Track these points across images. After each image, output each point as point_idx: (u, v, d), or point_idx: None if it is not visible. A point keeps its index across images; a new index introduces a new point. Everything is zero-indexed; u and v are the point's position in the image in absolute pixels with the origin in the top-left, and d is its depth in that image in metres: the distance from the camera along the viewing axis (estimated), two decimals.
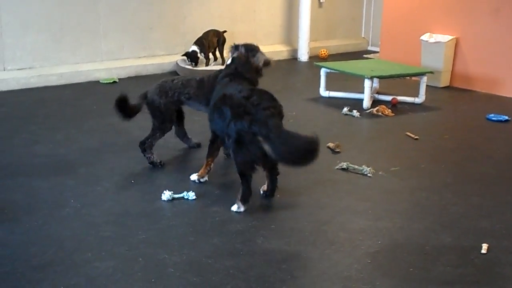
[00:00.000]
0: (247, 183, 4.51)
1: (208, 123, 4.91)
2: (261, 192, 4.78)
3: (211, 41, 9.20)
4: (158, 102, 5.35)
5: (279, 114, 4.51)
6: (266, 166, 4.61)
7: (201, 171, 5.06)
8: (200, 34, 9.15)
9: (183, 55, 9.00)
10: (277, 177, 4.72)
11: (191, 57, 8.92)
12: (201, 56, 9.01)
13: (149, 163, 5.39)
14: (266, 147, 4.28)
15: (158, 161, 5.40)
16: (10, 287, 3.48)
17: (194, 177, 5.06)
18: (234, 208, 4.52)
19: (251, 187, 4.53)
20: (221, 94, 4.71)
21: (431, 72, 7.84)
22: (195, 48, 8.96)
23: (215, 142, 4.99)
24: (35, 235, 4.12)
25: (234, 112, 4.44)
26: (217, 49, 9.33)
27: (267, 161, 4.49)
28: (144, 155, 5.39)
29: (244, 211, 4.48)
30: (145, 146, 5.39)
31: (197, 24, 9.50)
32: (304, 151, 4.29)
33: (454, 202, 4.75)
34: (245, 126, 4.35)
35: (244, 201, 4.52)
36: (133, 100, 5.45)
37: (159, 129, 5.40)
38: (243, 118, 4.37)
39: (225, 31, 9.35)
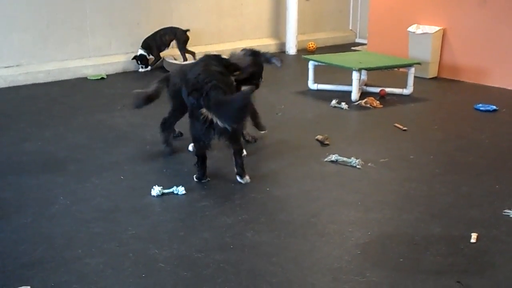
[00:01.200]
0: (199, 163, 4.96)
1: None
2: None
3: (161, 40, 9.09)
4: (180, 85, 5.40)
5: (227, 87, 4.84)
6: (226, 143, 4.93)
7: None
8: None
9: (132, 58, 9.01)
10: (242, 157, 4.98)
11: (140, 59, 8.99)
12: (150, 56, 9.07)
13: (162, 143, 5.60)
14: (212, 117, 4.63)
15: (171, 145, 5.64)
16: (0, 285, 3.47)
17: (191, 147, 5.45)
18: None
19: (203, 168, 4.95)
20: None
21: (419, 63, 7.86)
22: (142, 51, 8.97)
23: None
24: (25, 232, 4.11)
25: (187, 90, 4.89)
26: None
27: (221, 136, 4.80)
28: (162, 136, 5.61)
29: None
30: (166, 126, 5.58)
31: (184, 19, 9.49)
32: (239, 107, 4.61)
33: (443, 192, 4.77)
34: (194, 101, 4.74)
35: (198, 178, 4.96)
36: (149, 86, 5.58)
37: (179, 110, 5.49)
38: (192, 94, 4.76)
39: (187, 30, 9.24)
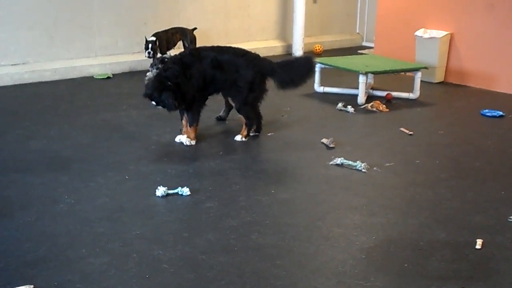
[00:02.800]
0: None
1: None
2: None
3: (170, 38, 9.04)
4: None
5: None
6: None
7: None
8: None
9: (145, 44, 8.64)
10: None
11: (152, 45, 8.54)
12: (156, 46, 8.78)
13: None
14: None
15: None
16: (3, 284, 3.46)
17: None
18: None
19: None
20: None
21: (426, 68, 7.84)
22: (153, 38, 8.67)
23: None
24: (29, 231, 4.10)
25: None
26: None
27: None
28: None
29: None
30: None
31: (191, 19, 9.47)
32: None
33: (449, 198, 4.76)
34: None
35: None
36: None
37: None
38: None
39: (195, 29, 9.21)
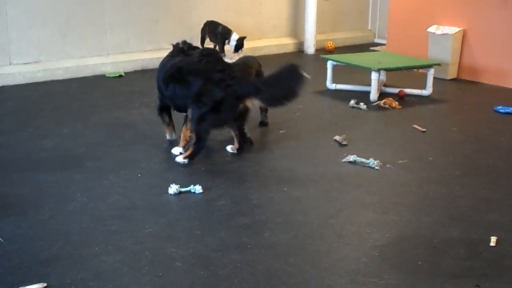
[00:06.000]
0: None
1: None
2: None
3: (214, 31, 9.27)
4: None
5: None
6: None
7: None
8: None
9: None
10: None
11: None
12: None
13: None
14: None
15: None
16: (17, 281, 3.47)
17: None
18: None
19: None
20: None
21: (438, 64, 7.80)
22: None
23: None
24: (42, 229, 4.11)
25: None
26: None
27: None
28: None
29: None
30: None
31: (203, 17, 9.46)
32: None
33: (463, 195, 4.73)
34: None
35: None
36: None
37: None
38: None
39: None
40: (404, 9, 9.43)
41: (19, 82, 8.05)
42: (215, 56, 5.42)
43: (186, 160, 5.25)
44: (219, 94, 5.09)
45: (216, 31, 9.19)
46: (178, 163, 5.25)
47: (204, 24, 9.28)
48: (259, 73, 6.02)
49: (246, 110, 5.37)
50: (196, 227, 4.17)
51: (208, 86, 5.12)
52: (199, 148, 5.27)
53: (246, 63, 5.99)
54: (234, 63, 5.91)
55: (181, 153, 5.39)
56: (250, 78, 5.54)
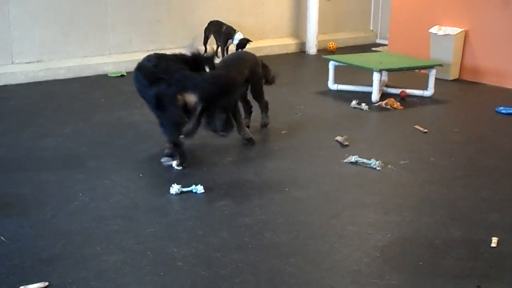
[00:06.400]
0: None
1: None
2: None
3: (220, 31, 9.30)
4: None
5: None
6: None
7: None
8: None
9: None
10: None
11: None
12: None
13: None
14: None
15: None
16: (19, 280, 3.48)
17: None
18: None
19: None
20: None
21: (440, 65, 7.80)
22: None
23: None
24: (44, 228, 4.12)
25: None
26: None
27: None
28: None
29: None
30: None
31: (205, 18, 9.48)
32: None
33: (464, 196, 4.73)
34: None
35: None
36: None
37: None
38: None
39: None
40: (406, 10, 9.43)
41: (21, 81, 8.06)
42: (156, 56, 5.28)
43: (180, 167, 5.17)
44: (153, 90, 5.05)
45: (220, 30, 9.20)
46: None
47: (208, 24, 9.30)
48: (253, 71, 5.89)
49: (186, 103, 5.15)
50: (197, 227, 4.17)
51: (146, 86, 5.11)
52: (181, 153, 5.19)
53: (239, 57, 5.94)
54: (226, 57, 5.87)
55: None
56: (184, 72, 5.11)
